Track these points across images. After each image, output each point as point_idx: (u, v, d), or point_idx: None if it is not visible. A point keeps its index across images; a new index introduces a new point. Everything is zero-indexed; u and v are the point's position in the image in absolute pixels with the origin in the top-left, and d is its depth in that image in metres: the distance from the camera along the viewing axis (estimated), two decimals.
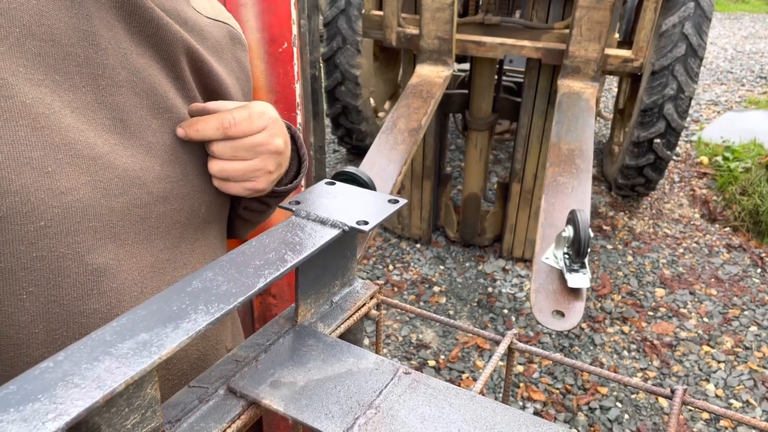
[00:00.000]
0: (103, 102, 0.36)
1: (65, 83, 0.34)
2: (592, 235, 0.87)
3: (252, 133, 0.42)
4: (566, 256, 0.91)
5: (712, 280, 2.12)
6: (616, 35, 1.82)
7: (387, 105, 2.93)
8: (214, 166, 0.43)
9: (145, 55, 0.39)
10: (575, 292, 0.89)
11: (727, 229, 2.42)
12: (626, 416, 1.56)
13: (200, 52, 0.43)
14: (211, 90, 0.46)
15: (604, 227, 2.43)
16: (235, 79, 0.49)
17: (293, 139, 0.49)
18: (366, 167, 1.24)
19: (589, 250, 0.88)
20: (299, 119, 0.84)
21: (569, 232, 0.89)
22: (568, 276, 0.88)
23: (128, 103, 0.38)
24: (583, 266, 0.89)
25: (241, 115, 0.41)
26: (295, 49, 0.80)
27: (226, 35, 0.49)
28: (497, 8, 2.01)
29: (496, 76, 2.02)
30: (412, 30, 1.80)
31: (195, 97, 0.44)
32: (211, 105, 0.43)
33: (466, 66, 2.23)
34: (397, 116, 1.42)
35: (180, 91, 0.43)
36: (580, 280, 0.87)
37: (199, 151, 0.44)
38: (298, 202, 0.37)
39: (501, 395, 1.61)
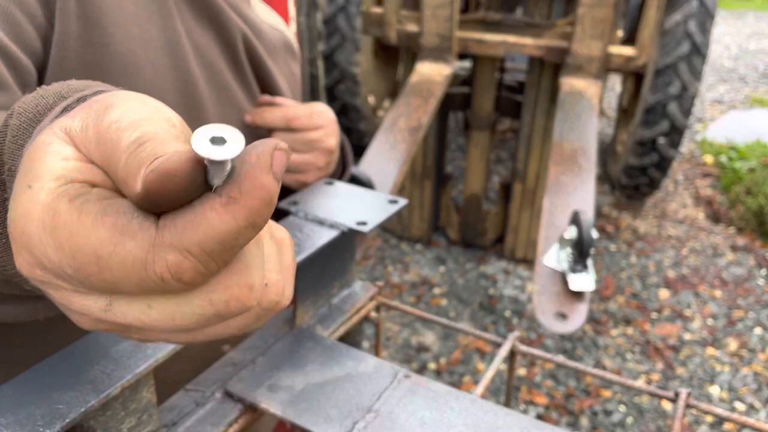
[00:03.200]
0: (177, 65, 0.39)
1: (150, 43, 0.37)
2: (595, 236, 0.86)
3: (311, 128, 0.46)
4: (569, 257, 0.90)
5: (717, 281, 2.10)
6: (620, 33, 1.81)
7: (386, 103, 2.93)
8: None
9: (206, 35, 0.43)
10: (578, 294, 0.88)
11: (732, 229, 2.40)
12: (630, 420, 1.55)
13: (256, 43, 0.46)
14: (264, 81, 0.48)
15: (608, 228, 2.42)
16: (285, 82, 0.52)
17: (342, 146, 0.53)
18: (365, 167, 1.24)
19: (592, 251, 0.87)
20: None
21: (572, 233, 0.88)
22: (570, 278, 0.87)
23: (194, 71, 0.41)
24: (586, 268, 0.88)
25: (304, 111, 0.46)
26: None
27: (281, 42, 0.52)
28: (499, 5, 2.00)
29: (497, 75, 2.01)
30: (413, 27, 1.79)
31: (250, 82, 0.47)
32: (279, 99, 0.47)
33: (468, 64, 2.22)
34: (397, 115, 1.42)
35: (236, 74, 0.46)
36: (583, 282, 0.87)
37: (252, 137, 0.46)
38: (296, 202, 0.37)
39: (503, 398, 1.61)
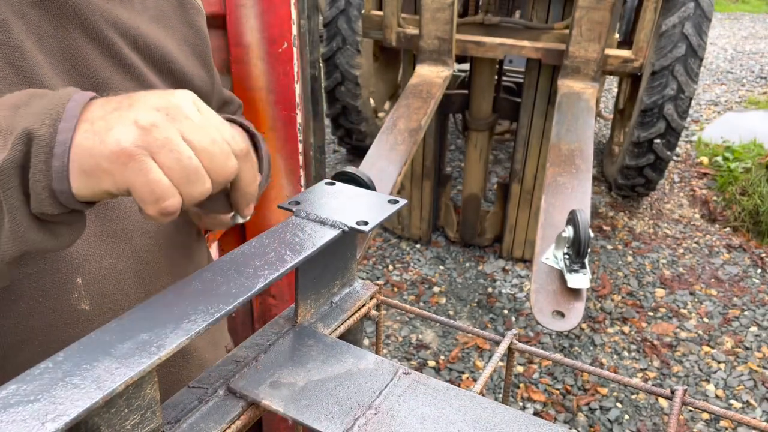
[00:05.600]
0: (25, 84, 0.38)
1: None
2: (592, 235, 0.87)
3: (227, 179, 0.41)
4: (566, 256, 0.91)
5: (712, 280, 2.11)
6: (616, 35, 1.82)
7: (387, 105, 2.93)
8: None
9: (69, 37, 0.40)
10: (575, 293, 0.89)
11: (727, 229, 2.41)
12: (626, 417, 1.56)
13: (133, 25, 0.43)
14: (157, 61, 0.46)
15: (604, 227, 2.43)
16: (187, 45, 0.50)
17: (250, 135, 0.49)
18: (366, 167, 1.24)
19: (589, 250, 0.88)
20: (299, 119, 0.84)
21: (569, 232, 0.89)
22: (568, 276, 0.88)
23: (52, 83, 0.39)
24: (583, 267, 0.89)
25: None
26: (295, 50, 0.80)
27: (173, 2, 0.49)
28: (497, 8, 2.01)
29: (496, 77, 2.02)
30: (412, 30, 1.80)
31: (140, 74, 0.44)
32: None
33: (466, 66, 2.23)
34: (397, 116, 1.42)
35: (118, 67, 0.43)
36: (580, 280, 0.87)
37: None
38: (297, 203, 0.37)
39: (501, 396, 1.61)
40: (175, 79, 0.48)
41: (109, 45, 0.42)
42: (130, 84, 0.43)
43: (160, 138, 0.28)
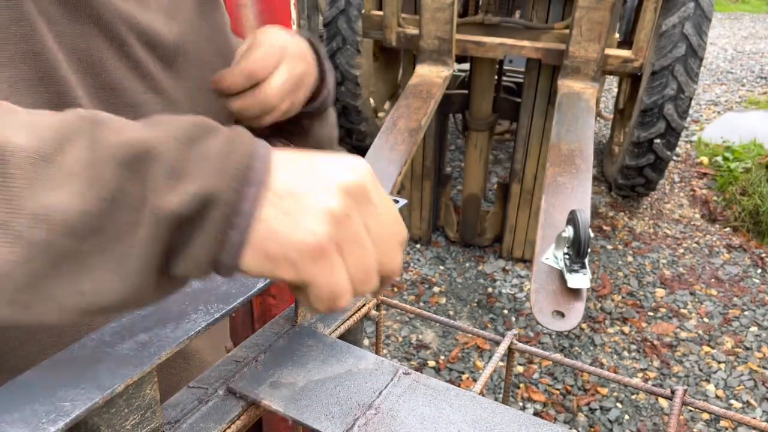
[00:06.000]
0: (45, 78, 0.36)
1: (10, 60, 0.34)
2: (592, 235, 0.87)
3: (273, 69, 0.42)
4: (566, 256, 0.91)
5: (713, 280, 2.11)
6: (616, 35, 1.82)
7: (387, 105, 2.93)
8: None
9: (87, 35, 0.39)
10: (575, 293, 0.88)
11: (728, 229, 2.41)
12: (626, 417, 1.56)
13: (148, 23, 0.42)
14: (171, 60, 0.45)
15: (604, 227, 2.43)
16: (205, 41, 0.48)
17: (314, 49, 0.48)
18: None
19: (589, 250, 0.88)
20: None
21: (569, 232, 0.89)
22: (568, 276, 0.88)
23: (69, 80, 0.37)
24: (583, 267, 0.89)
25: (259, 55, 0.42)
26: None
27: (189, 2, 0.47)
28: (497, 8, 2.01)
29: (496, 77, 2.02)
30: (412, 30, 1.80)
31: (150, 74, 0.43)
32: (240, 53, 0.43)
33: (466, 66, 2.23)
34: (397, 116, 1.42)
35: (131, 69, 0.42)
36: (580, 280, 0.87)
37: (220, 109, 0.44)
38: None
39: (501, 396, 1.61)
40: (189, 77, 0.46)
41: (124, 45, 0.41)
42: (140, 85, 0.42)
43: (350, 233, 0.25)
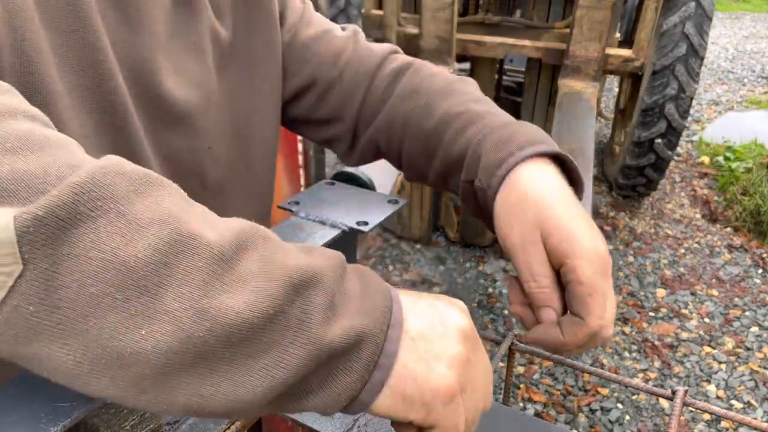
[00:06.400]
0: (99, 85, 0.36)
1: (67, 66, 0.34)
2: None
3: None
4: None
5: (713, 280, 2.11)
6: (617, 35, 1.82)
7: None
8: None
9: (141, 45, 0.38)
10: None
11: (729, 229, 2.41)
12: (627, 417, 1.56)
13: (132, 50, 0.39)
14: (217, 62, 0.43)
15: (605, 227, 2.43)
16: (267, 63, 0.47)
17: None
18: (366, 167, 1.24)
19: None
20: None
21: None
22: None
23: (121, 89, 0.37)
24: None
25: (601, 305, 0.34)
26: None
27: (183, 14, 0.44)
28: (497, 8, 2.01)
29: (496, 76, 2.02)
30: (412, 29, 1.80)
31: (198, 83, 0.41)
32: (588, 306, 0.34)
33: (466, 65, 2.23)
34: None
35: (179, 77, 0.41)
36: None
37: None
38: (297, 203, 0.37)
39: (501, 396, 1.61)
40: (237, 78, 0.44)
41: (103, 67, 0.38)
42: (187, 93, 0.41)
43: (470, 377, 0.27)
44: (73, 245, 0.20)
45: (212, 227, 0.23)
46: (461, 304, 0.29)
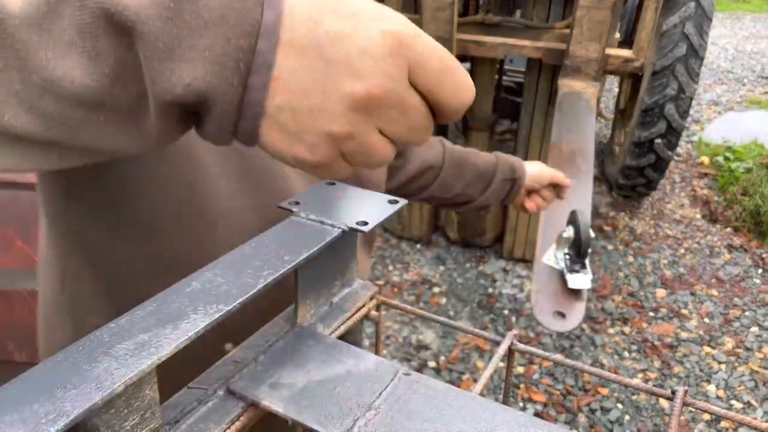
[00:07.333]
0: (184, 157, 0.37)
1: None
2: (593, 235, 0.87)
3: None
4: (567, 256, 0.91)
5: (713, 280, 2.11)
6: (617, 35, 1.82)
7: None
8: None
9: None
10: (576, 293, 0.88)
11: (728, 229, 2.41)
12: (627, 417, 1.56)
13: None
14: None
15: (605, 228, 2.43)
16: None
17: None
18: None
19: (590, 251, 0.88)
20: None
21: (570, 232, 0.89)
22: (568, 277, 0.88)
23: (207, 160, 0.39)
24: (583, 267, 0.89)
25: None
26: None
27: None
28: (498, 8, 2.01)
29: (496, 76, 2.02)
30: None
31: None
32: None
33: (467, 66, 2.23)
34: None
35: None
36: (580, 281, 0.87)
37: None
38: (297, 203, 0.37)
39: (501, 396, 1.61)
40: None
41: None
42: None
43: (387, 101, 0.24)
44: None
45: None
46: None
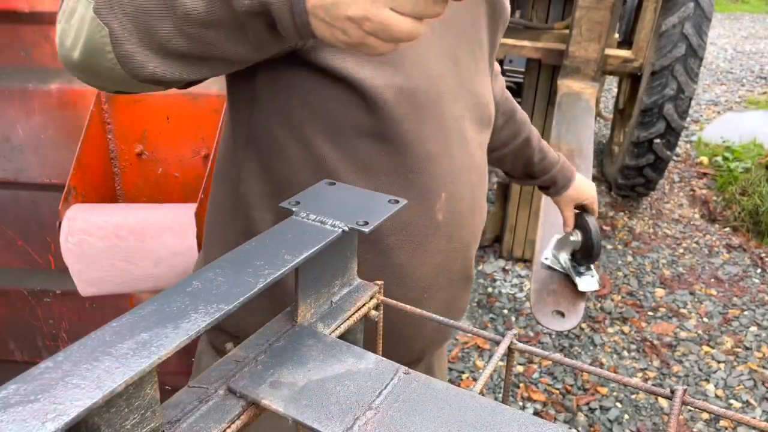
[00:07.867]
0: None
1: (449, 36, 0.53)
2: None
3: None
4: (571, 259, 0.90)
5: (712, 280, 2.12)
6: (616, 35, 1.82)
7: None
8: None
9: (485, 28, 0.58)
10: (575, 293, 0.89)
11: (727, 229, 2.42)
12: (626, 416, 1.56)
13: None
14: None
15: (604, 227, 2.43)
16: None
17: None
18: None
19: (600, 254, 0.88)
20: None
21: (578, 236, 0.87)
22: (578, 280, 0.88)
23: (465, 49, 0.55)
24: (589, 269, 0.89)
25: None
26: None
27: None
28: None
29: None
30: None
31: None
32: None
33: None
34: None
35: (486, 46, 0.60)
36: (589, 283, 0.87)
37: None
38: (297, 202, 0.37)
39: (501, 395, 1.61)
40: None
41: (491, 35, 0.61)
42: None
43: None
44: None
45: None
46: None
